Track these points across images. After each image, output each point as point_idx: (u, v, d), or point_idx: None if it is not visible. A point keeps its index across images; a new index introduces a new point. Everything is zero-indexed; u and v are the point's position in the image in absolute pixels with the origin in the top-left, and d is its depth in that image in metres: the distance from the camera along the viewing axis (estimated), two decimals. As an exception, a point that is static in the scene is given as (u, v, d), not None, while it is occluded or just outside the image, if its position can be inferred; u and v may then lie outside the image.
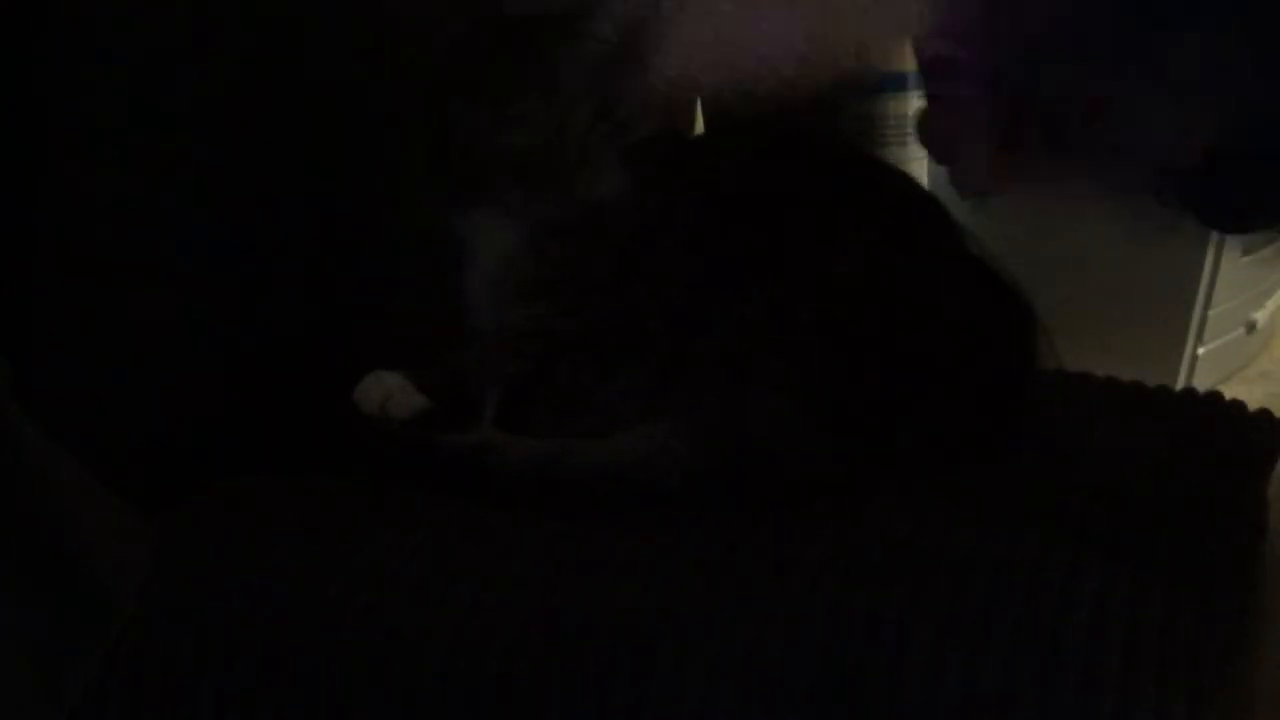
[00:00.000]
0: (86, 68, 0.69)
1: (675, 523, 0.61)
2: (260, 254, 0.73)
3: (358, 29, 0.75)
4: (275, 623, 0.60)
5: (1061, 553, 0.57)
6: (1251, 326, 1.44)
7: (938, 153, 0.67)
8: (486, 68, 0.69)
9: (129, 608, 0.61)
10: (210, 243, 0.72)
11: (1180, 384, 1.26)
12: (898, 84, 1.06)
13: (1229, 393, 0.72)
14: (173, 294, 0.71)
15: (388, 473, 0.67)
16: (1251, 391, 0.70)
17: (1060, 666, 0.53)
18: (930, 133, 0.67)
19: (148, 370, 0.71)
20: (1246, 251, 1.30)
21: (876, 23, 0.62)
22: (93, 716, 0.60)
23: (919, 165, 1.07)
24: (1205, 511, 0.62)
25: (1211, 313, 1.29)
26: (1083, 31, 0.57)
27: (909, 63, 1.06)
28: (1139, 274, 1.22)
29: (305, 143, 0.74)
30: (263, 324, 0.73)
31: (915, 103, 1.06)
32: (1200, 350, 1.30)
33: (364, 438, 0.68)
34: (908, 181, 0.72)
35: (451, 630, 0.58)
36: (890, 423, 0.64)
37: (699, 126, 0.95)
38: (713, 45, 0.62)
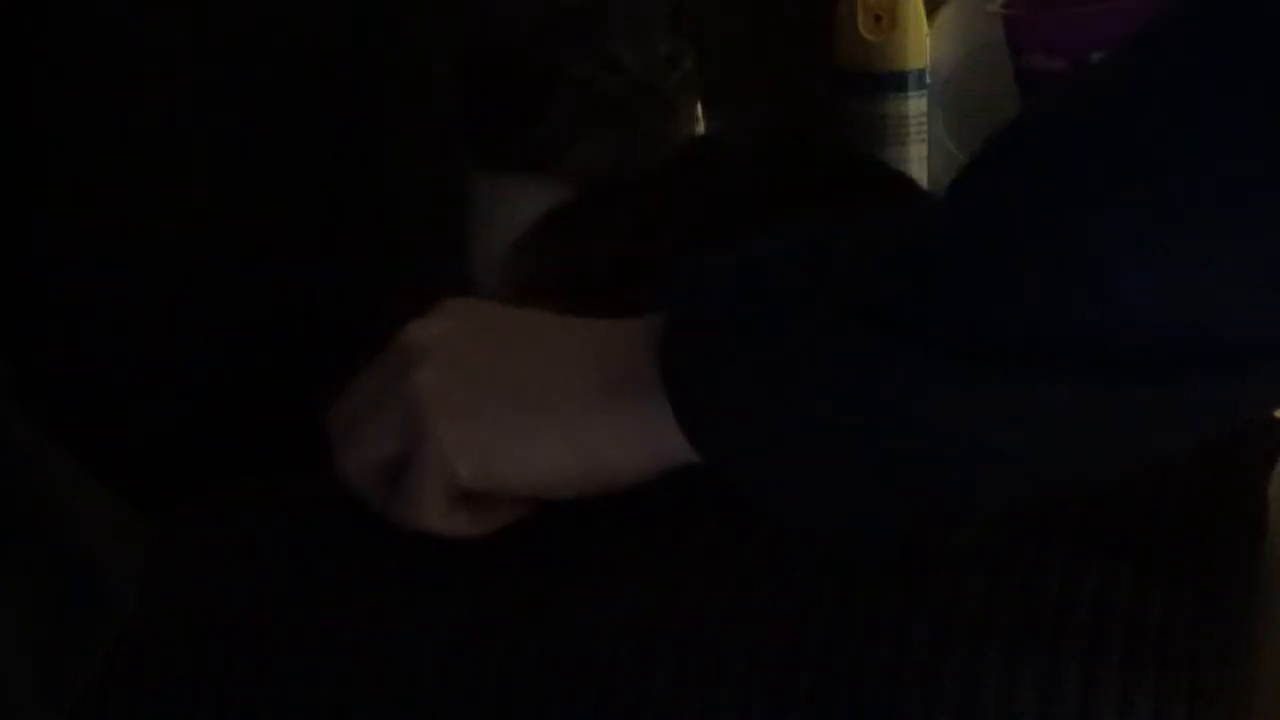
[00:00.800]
0: (86, 68, 0.69)
1: (675, 523, 0.61)
2: (262, 253, 0.73)
3: None
4: (275, 623, 0.60)
5: (1061, 553, 0.57)
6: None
7: None
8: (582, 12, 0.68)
9: (129, 608, 0.61)
10: (212, 240, 0.72)
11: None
12: (898, 84, 1.06)
13: (1229, 393, 0.71)
14: (173, 292, 0.71)
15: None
16: (1251, 391, 0.70)
17: (1060, 666, 0.53)
18: None
19: (147, 370, 0.71)
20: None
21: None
22: (93, 716, 0.60)
23: (919, 166, 1.07)
24: (1205, 511, 0.62)
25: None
26: None
27: (909, 63, 1.06)
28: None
29: (309, 140, 0.74)
30: (264, 323, 0.73)
31: (915, 102, 1.06)
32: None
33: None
34: (907, 182, 0.72)
35: (451, 630, 0.58)
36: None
37: (700, 128, 0.95)
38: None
